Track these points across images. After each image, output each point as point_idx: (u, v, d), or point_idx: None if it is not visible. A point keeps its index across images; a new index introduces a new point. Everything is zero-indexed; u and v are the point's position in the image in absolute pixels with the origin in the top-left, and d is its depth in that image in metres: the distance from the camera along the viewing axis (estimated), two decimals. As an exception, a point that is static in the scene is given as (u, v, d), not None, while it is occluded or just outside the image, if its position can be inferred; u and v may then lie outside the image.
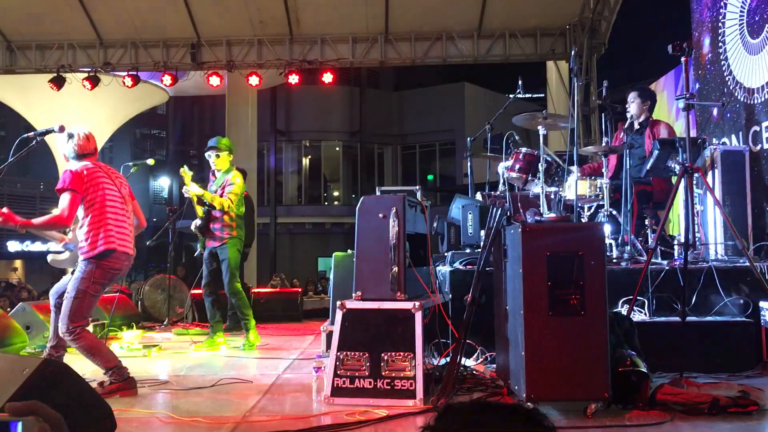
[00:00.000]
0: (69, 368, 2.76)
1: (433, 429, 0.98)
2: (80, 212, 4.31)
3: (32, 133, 4.31)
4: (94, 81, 12.12)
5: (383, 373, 3.76)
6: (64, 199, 4.20)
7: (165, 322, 8.54)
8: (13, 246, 27.34)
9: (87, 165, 4.37)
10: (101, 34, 12.24)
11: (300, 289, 10.54)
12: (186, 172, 6.33)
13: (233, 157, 6.79)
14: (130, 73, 12.21)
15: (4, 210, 4.20)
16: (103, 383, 4.23)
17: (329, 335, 4.60)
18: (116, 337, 6.96)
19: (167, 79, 12.11)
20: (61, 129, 4.24)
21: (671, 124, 9.90)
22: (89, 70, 12.25)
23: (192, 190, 6.33)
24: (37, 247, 27.82)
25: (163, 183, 32.42)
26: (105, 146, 23.57)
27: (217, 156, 6.58)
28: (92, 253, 4.26)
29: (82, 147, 4.45)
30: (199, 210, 6.52)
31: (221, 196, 6.44)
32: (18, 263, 27.94)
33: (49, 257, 4.89)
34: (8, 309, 7.49)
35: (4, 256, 27.50)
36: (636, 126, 6.33)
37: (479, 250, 5.03)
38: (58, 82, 12.09)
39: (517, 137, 6.17)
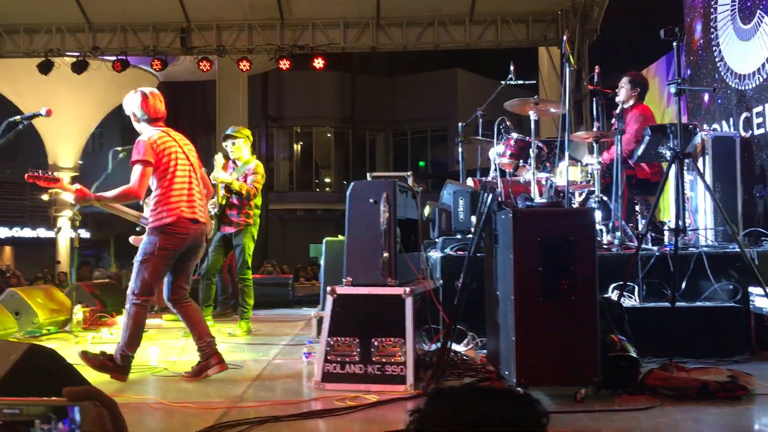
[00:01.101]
0: (56, 353, 2.74)
1: (423, 413, 0.97)
2: (152, 183, 4.21)
3: (19, 117, 4.25)
4: (82, 65, 12.01)
5: (374, 359, 3.75)
6: (136, 171, 4.11)
7: (155, 309, 8.51)
8: (2, 232, 27.19)
9: (158, 133, 4.25)
10: (89, 18, 12.11)
11: (291, 275, 10.53)
12: (218, 160, 6.35)
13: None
14: (119, 57, 12.09)
15: (77, 186, 4.15)
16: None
17: (320, 321, 4.59)
18: (107, 323, 6.93)
19: (157, 64, 12.01)
20: (49, 113, 4.17)
21: (662, 109, 9.89)
22: (78, 54, 12.13)
23: (220, 177, 6.31)
24: (27, 233, 27.70)
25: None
26: (95, 132, 23.41)
27: (233, 144, 6.57)
28: (157, 224, 4.17)
29: (155, 109, 4.33)
30: (220, 197, 6.51)
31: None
32: (7, 249, 27.82)
33: (131, 238, 4.79)
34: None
35: (-7, 242, 27.36)
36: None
37: (470, 235, 5.03)
38: (46, 68, 11.96)
39: (508, 123, 6.15)
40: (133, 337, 4.19)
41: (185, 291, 4.42)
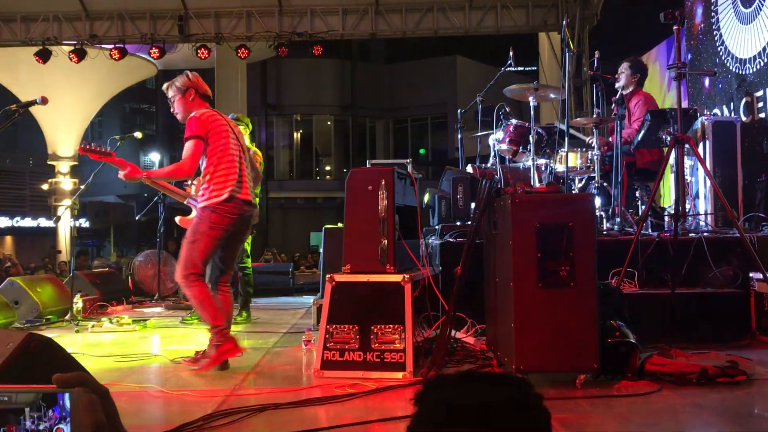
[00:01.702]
0: (53, 342, 2.73)
1: (423, 399, 0.96)
2: (202, 161, 4.11)
3: (15, 105, 4.22)
4: (80, 54, 11.96)
5: (373, 346, 3.75)
6: (188, 147, 4.02)
7: (155, 297, 8.52)
8: (2, 221, 27.20)
9: (209, 110, 4.18)
10: (86, 5, 12.04)
11: (291, 263, 10.53)
12: None
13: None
14: (117, 45, 12.04)
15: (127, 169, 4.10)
16: (205, 352, 4.14)
17: (320, 309, 4.59)
18: (106, 312, 6.94)
19: (155, 52, 11.95)
20: (44, 101, 4.15)
21: (663, 95, 9.85)
22: (75, 42, 12.07)
23: None
24: (27, 223, 27.71)
25: (153, 158, 32.24)
26: (94, 120, 23.39)
27: None
28: (209, 202, 4.06)
29: (202, 85, 4.26)
30: None
31: None
32: (8, 239, 27.84)
33: (177, 219, 4.69)
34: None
35: (-7, 231, 27.37)
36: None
37: (470, 222, 5.01)
38: (44, 56, 11.91)
39: (507, 109, 6.12)
40: (212, 311, 4.07)
41: (227, 276, 4.35)
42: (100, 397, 0.91)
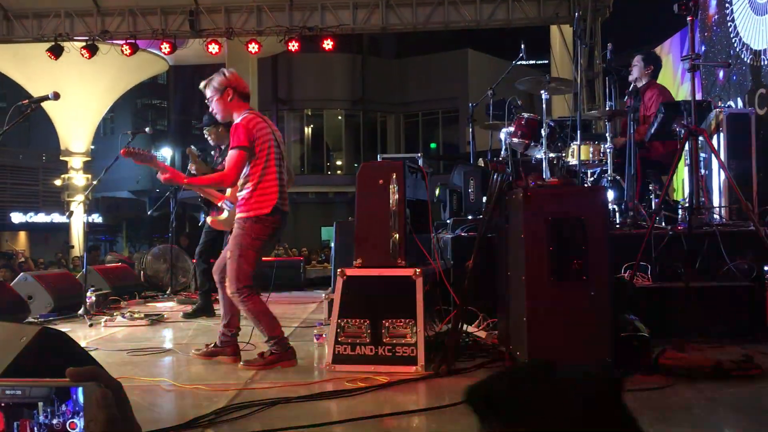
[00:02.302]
0: (67, 336, 2.74)
1: (482, 393, 0.89)
2: (245, 168, 3.99)
3: (27, 100, 4.24)
4: (92, 50, 12.01)
5: (384, 340, 3.74)
6: (232, 156, 3.91)
7: (167, 292, 8.56)
8: (17, 217, 27.41)
9: (252, 115, 4.05)
10: (98, 1, 12.09)
11: (302, 257, 10.55)
12: (193, 152, 6.25)
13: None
14: (128, 41, 12.08)
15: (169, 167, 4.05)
16: (263, 353, 4.06)
17: (331, 303, 4.58)
18: (119, 307, 6.97)
19: (166, 47, 11.98)
20: (56, 96, 4.16)
21: (677, 87, 9.77)
22: (87, 38, 12.12)
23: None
24: (41, 218, 27.93)
25: (165, 153, 32.38)
26: (106, 116, 23.49)
27: (219, 129, 6.44)
28: (253, 213, 3.96)
29: (241, 84, 4.12)
30: None
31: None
32: (22, 234, 28.06)
33: (209, 220, 4.67)
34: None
35: (8, 227, 27.59)
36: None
37: (481, 216, 4.99)
38: (56, 52, 11.97)
39: (519, 102, 6.09)
40: (269, 323, 4.00)
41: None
42: (113, 392, 0.91)
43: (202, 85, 4.17)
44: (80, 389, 0.90)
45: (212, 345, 4.25)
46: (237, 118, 4.03)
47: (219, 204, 4.51)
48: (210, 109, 4.22)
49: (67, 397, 0.90)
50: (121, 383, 0.93)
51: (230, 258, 3.98)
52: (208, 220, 4.69)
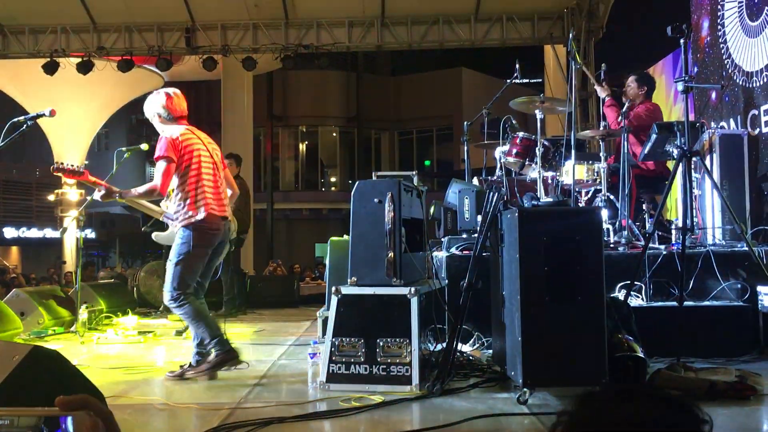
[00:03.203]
0: (60, 355, 2.72)
1: (574, 415, 0.89)
2: (174, 180, 4.19)
3: (23, 117, 4.23)
4: (87, 66, 12.02)
5: (379, 359, 3.73)
6: (160, 167, 4.10)
7: (160, 309, 8.50)
8: (9, 232, 27.26)
9: (181, 131, 4.23)
10: (95, 18, 12.12)
11: (297, 270, 10.51)
12: None
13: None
14: (124, 57, 12.10)
15: (103, 182, 4.17)
16: (207, 358, 4.15)
17: (325, 321, 4.57)
18: (112, 324, 6.93)
19: (162, 64, 12.01)
20: (52, 113, 4.14)
21: (669, 107, 9.83)
22: (83, 54, 12.14)
23: None
24: (34, 233, 27.78)
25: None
26: (100, 132, 23.45)
27: None
28: (188, 221, 4.13)
29: (180, 108, 4.32)
30: None
31: None
32: (14, 249, 27.89)
33: (154, 235, 4.75)
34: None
35: (0, 242, 27.42)
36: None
37: (476, 235, 5.00)
38: (51, 69, 11.97)
39: (514, 121, 6.11)
40: (209, 324, 4.15)
41: (202, 290, 4.37)
42: (103, 421, 0.89)
43: (146, 104, 4.38)
44: (70, 419, 0.88)
45: (187, 365, 4.21)
46: (167, 134, 4.20)
47: (161, 219, 4.61)
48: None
49: (56, 427, 0.89)
50: (112, 412, 0.92)
51: (169, 264, 4.16)
52: (154, 236, 4.76)
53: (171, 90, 4.40)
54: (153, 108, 4.32)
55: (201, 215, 4.14)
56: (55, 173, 4.19)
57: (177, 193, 4.20)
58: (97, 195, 4.18)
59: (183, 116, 4.37)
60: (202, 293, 4.38)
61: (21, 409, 0.90)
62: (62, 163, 4.23)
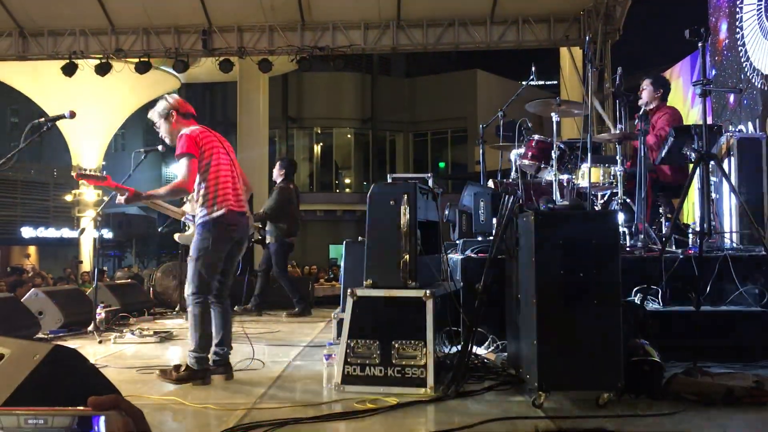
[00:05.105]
0: (80, 354, 2.76)
1: None
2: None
3: (43, 118, 4.28)
4: (105, 68, 12.14)
5: (394, 361, 3.74)
6: (182, 164, 4.09)
7: (176, 309, 8.56)
8: (27, 232, 27.52)
9: (199, 128, 4.26)
10: (113, 21, 12.24)
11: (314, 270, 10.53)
12: None
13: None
14: (141, 59, 12.21)
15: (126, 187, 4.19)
16: (179, 366, 4.18)
17: (340, 323, 4.59)
18: (128, 324, 6.99)
19: (179, 66, 12.11)
20: (72, 115, 4.18)
21: (686, 110, 9.77)
22: (101, 56, 12.26)
23: None
24: (51, 233, 28.03)
25: (175, 170, 32.51)
26: (118, 133, 23.65)
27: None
28: (207, 218, 4.14)
29: (189, 106, 4.36)
30: None
31: None
32: (32, 249, 28.15)
33: (176, 236, 4.79)
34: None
35: (18, 242, 27.70)
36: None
37: (491, 237, 4.99)
38: (70, 71, 12.10)
39: (529, 124, 6.11)
40: (203, 338, 4.15)
41: (226, 288, 4.38)
42: (134, 420, 0.91)
43: (149, 115, 4.40)
44: (102, 418, 0.90)
45: (183, 368, 4.20)
46: (186, 130, 4.21)
47: (182, 220, 4.63)
48: (160, 136, 4.41)
49: (89, 427, 0.90)
50: (142, 411, 0.93)
51: (189, 260, 4.19)
52: (177, 236, 4.78)
53: (174, 95, 4.49)
54: (167, 107, 4.31)
55: (220, 211, 4.15)
56: (78, 180, 4.23)
57: (197, 190, 4.20)
58: (121, 198, 4.15)
59: (194, 115, 4.41)
60: (227, 292, 4.38)
61: (55, 409, 0.92)
62: (85, 170, 4.30)
